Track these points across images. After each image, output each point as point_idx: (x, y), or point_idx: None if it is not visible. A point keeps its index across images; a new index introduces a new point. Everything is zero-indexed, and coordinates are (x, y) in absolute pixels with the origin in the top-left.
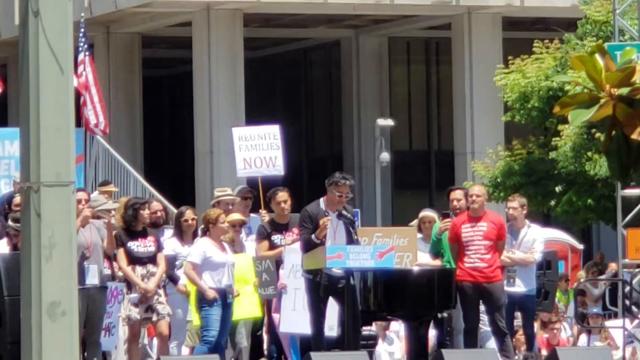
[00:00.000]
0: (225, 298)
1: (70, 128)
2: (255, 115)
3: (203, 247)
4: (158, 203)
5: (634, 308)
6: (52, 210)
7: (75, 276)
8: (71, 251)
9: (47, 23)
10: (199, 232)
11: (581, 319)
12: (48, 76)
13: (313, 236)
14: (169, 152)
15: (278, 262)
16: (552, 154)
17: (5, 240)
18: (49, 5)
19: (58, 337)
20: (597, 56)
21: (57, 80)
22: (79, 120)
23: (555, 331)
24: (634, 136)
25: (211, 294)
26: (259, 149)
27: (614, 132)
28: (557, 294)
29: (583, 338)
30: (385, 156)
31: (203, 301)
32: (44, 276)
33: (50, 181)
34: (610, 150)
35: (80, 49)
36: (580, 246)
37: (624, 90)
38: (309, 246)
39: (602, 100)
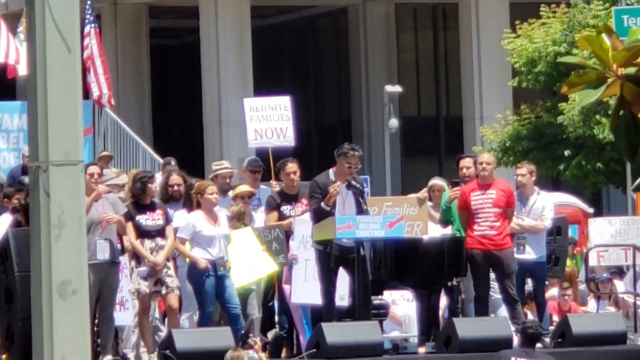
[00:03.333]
0: (216, 269)
1: (77, 107)
2: (263, 83)
3: (191, 221)
4: (178, 177)
5: None
6: (61, 189)
7: (85, 255)
8: (81, 230)
9: (53, 2)
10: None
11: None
12: (55, 55)
13: (322, 204)
14: (178, 123)
15: (288, 234)
16: (560, 119)
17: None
18: None
19: (69, 315)
20: (604, 36)
21: (64, 59)
22: (87, 92)
23: (566, 297)
24: None
25: (202, 262)
26: (270, 120)
27: (621, 111)
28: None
29: (592, 303)
30: (394, 123)
31: (194, 272)
32: (54, 255)
33: (58, 160)
34: (618, 129)
35: (86, 20)
36: (591, 210)
37: (632, 70)
38: (319, 215)
39: (610, 80)
